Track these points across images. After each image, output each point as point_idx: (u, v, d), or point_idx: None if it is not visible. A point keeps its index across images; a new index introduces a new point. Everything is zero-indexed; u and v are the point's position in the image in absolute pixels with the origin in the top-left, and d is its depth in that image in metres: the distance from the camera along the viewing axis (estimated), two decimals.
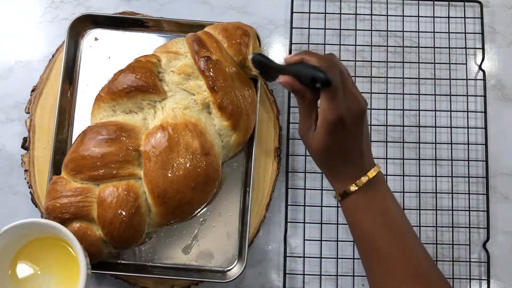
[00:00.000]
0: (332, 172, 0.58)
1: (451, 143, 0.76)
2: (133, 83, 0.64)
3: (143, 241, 0.67)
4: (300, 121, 0.58)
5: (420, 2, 0.80)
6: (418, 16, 0.79)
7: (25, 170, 0.73)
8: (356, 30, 0.79)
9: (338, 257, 0.72)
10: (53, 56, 0.76)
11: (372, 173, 0.56)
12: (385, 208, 0.56)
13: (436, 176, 0.75)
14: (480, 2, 0.79)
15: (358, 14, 0.79)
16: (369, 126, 0.76)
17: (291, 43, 0.77)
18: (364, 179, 0.56)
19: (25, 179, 0.73)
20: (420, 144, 0.76)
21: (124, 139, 0.63)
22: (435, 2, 0.80)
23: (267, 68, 0.63)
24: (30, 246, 0.61)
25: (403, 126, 0.76)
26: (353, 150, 0.56)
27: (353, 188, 0.56)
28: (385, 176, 0.75)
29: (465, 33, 0.79)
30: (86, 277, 0.57)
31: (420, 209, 0.74)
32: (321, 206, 0.73)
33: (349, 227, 0.59)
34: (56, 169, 0.69)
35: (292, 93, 0.56)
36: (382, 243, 0.55)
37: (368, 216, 0.56)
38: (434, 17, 0.80)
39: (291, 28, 0.78)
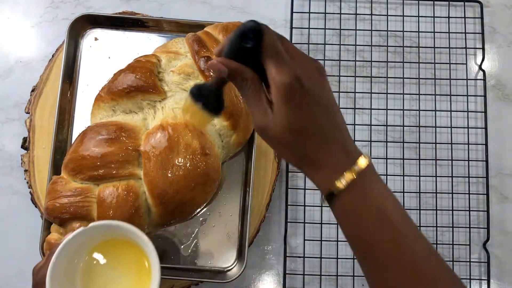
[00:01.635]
0: (308, 160, 0.45)
1: (451, 143, 0.76)
2: (133, 83, 0.64)
3: None
4: (253, 114, 0.45)
5: (420, 2, 0.80)
6: (418, 16, 0.79)
7: (25, 170, 0.73)
8: (356, 30, 0.79)
9: (338, 257, 0.72)
10: (53, 56, 0.76)
11: (362, 162, 0.44)
12: (382, 209, 0.45)
13: (436, 176, 0.75)
14: (480, 2, 0.79)
15: (358, 14, 0.79)
16: (369, 126, 0.76)
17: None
18: (352, 171, 0.43)
19: (25, 179, 0.73)
20: (420, 144, 0.76)
21: (124, 139, 0.63)
22: (435, 2, 0.80)
23: (208, 94, 0.48)
24: (106, 244, 0.59)
25: (403, 126, 0.76)
26: (326, 123, 0.43)
27: (340, 184, 0.43)
28: (385, 176, 0.75)
29: (465, 33, 0.79)
30: (159, 283, 0.55)
31: (420, 209, 0.74)
32: (321, 206, 0.73)
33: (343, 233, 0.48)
34: (56, 169, 0.69)
35: (232, 83, 0.45)
36: (385, 252, 0.44)
37: (363, 221, 0.44)
38: (434, 17, 0.80)
39: (291, 28, 0.78)
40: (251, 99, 0.45)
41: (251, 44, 0.42)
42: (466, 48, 0.79)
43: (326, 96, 0.44)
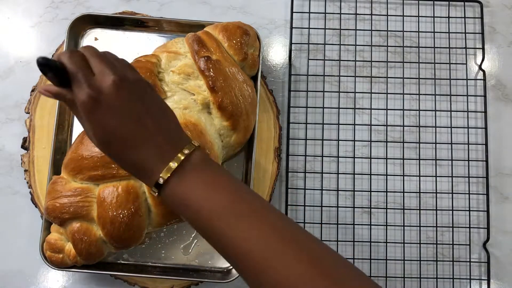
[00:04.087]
0: (128, 165, 0.49)
1: (451, 143, 0.76)
2: None
3: (143, 241, 0.67)
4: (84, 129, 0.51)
5: (420, 2, 0.80)
6: (418, 16, 0.79)
7: (25, 170, 0.73)
8: (356, 30, 0.79)
9: None
10: (53, 56, 0.76)
11: (184, 152, 0.47)
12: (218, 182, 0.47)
13: (436, 176, 0.75)
14: (480, 2, 0.79)
15: (358, 14, 0.79)
16: (369, 126, 0.76)
17: (291, 43, 0.77)
18: (174, 161, 0.46)
19: (25, 179, 0.73)
20: (420, 144, 0.76)
21: None
22: (435, 2, 0.80)
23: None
24: None
25: (403, 126, 0.76)
26: (131, 129, 0.47)
27: (164, 175, 0.46)
28: (385, 176, 0.75)
29: (465, 33, 0.79)
30: None
31: (420, 209, 0.74)
32: (321, 206, 0.73)
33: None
34: (56, 169, 0.69)
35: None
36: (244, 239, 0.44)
37: (206, 203, 0.45)
38: (434, 17, 0.80)
39: (291, 28, 0.78)
40: (78, 117, 0.50)
41: (51, 75, 0.47)
42: (466, 48, 0.79)
43: (127, 104, 0.47)
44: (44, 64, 0.46)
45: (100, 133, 0.47)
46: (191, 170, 0.47)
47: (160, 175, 0.46)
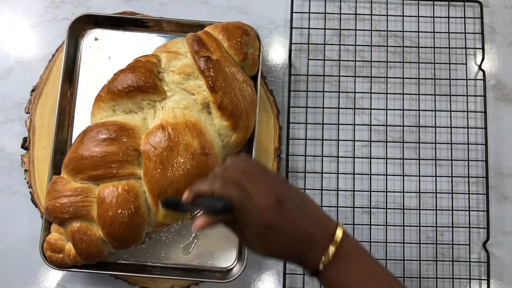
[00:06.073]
0: (296, 261, 0.53)
1: (451, 143, 0.76)
2: (133, 83, 0.64)
3: (143, 241, 0.67)
4: (247, 242, 0.54)
5: (420, 2, 0.80)
6: (418, 16, 0.79)
7: (25, 170, 0.73)
8: (356, 30, 0.79)
9: None
10: (53, 56, 0.76)
11: (338, 235, 0.51)
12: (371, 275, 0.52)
13: (436, 176, 0.75)
14: (480, 2, 0.79)
15: (358, 14, 0.79)
16: (369, 126, 0.76)
17: (291, 43, 0.77)
18: (329, 251, 0.50)
19: (25, 179, 0.73)
20: (420, 144, 0.76)
21: (124, 139, 0.63)
22: (435, 2, 0.80)
23: (178, 207, 0.57)
24: None
25: (403, 126, 0.76)
26: (292, 244, 0.51)
27: (321, 266, 0.50)
28: (385, 176, 0.75)
29: (465, 33, 0.79)
30: None
31: (420, 209, 0.74)
32: (321, 206, 0.73)
33: None
34: (56, 169, 0.69)
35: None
36: None
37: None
38: (434, 17, 0.80)
39: (291, 28, 0.78)
40: (236, 233, 0.53)
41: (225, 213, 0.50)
42: (466, 48, 0.79)
43: (290, 217, 0.50)
44: (218, 210, 0.49)
45: (270, 251, 0.51)
46: (344, 258, 0.51)
47: (319, 265, 0.50)
